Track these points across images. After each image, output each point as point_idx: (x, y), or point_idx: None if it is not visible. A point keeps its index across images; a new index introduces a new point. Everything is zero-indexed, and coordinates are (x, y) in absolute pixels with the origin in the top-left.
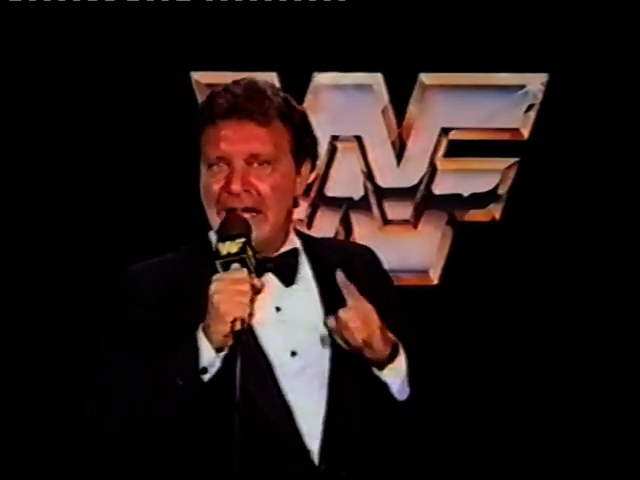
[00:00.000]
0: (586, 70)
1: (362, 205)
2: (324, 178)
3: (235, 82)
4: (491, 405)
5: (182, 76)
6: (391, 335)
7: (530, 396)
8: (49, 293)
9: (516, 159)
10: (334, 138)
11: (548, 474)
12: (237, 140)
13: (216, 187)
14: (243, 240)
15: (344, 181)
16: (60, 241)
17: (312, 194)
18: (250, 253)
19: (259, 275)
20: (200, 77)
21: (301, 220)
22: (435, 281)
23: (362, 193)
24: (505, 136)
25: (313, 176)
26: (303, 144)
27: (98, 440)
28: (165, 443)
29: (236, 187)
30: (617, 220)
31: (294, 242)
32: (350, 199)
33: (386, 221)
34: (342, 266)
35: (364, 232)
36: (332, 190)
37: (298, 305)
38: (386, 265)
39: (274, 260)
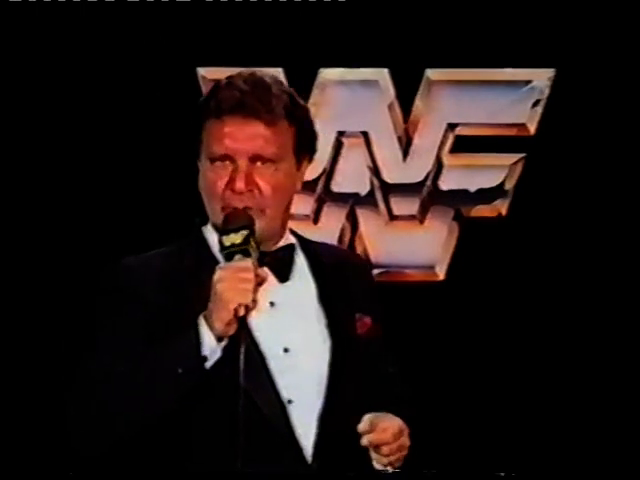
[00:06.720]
0: (593, 65)
1: (368, 201)
2: (330, 174)
3: (240, 75)
4: (496, 401)
5: (188, 72)
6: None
7: (536, 391)
8: (40, 285)
9: (522, 155)
10: (340, 134)
11: (552, 468)
12: (242, 138)
13: (220, 183)
14: (247, 232)
15: (350, 177)
16: (64, 238)
17: (318, 190)
18: (253, 244)
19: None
20: (206, 73)
21: (307, 216)
22: (441, 277)
23: (368, 189)
24: (511, 132)
25: (309, 171)
26: (305, 141)
27: (92, 429)
28: (162, 432)
29: (240, 186)
30: (623, 215)
31: (290, 239)
32: (356, 195)
33: (392, 217)
34: (338, 269)
35: (370, 228)
36: (338, 186)
37: (292, 301)
38: (392, 261)
39: (271, 254)
